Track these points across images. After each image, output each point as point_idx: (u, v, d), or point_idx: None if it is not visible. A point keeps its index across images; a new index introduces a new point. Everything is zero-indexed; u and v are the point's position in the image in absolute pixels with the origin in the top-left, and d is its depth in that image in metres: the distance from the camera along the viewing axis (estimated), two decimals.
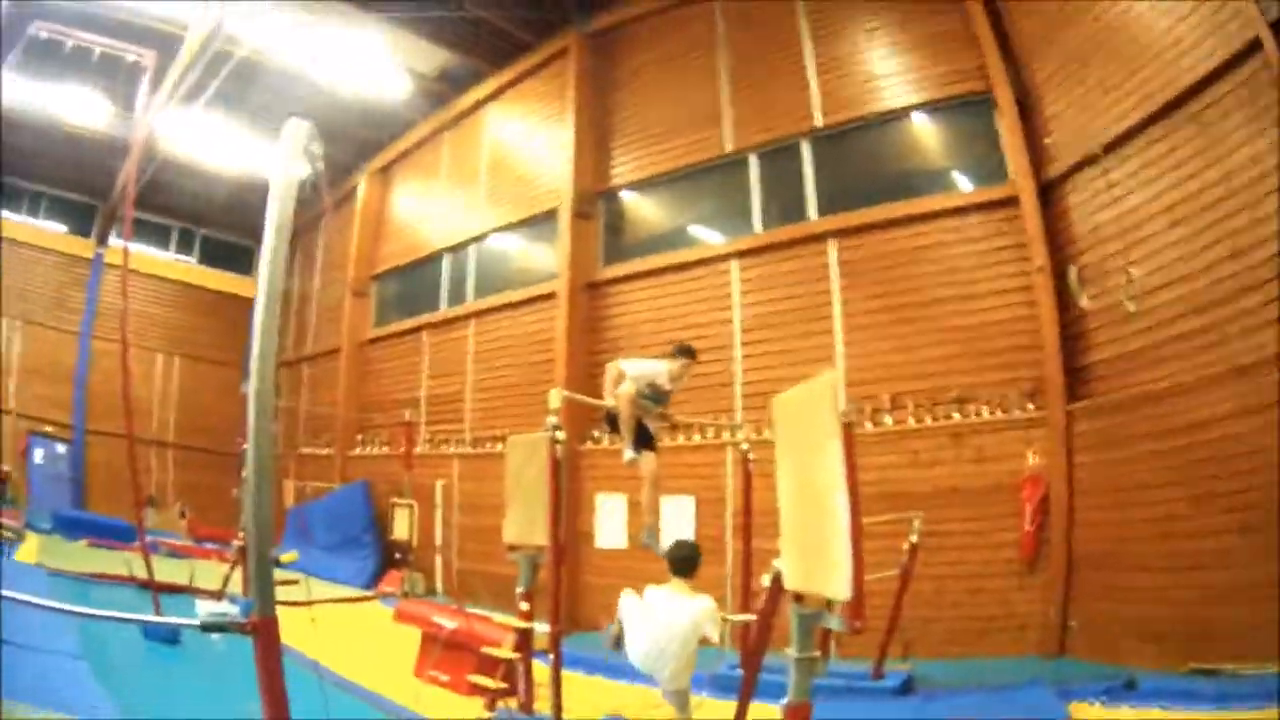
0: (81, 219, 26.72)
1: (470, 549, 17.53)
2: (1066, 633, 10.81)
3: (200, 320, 28.97)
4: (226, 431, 24.09)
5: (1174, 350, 9.79)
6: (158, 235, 28.56)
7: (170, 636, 10.65)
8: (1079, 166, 11.21)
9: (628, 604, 7.02)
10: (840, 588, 4.04)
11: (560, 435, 7.71)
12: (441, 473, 18.81)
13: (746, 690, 6.00)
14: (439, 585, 18.20)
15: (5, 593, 3.89)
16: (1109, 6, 10.76)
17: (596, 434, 15.69)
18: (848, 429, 4.28)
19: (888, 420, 12.57)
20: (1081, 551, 10.82)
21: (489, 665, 9.15)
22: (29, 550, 15.97)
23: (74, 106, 21.31)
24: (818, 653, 4.93)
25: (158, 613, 10.41)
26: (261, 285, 3.91)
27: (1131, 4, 10.46)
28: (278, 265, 3.65)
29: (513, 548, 9.09)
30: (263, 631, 3.59)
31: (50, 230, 26.38)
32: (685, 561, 6.86)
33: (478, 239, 20.22)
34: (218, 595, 13.48)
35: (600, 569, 15.09)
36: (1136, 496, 9.98)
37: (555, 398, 7.79)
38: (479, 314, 19.47)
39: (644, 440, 8.07)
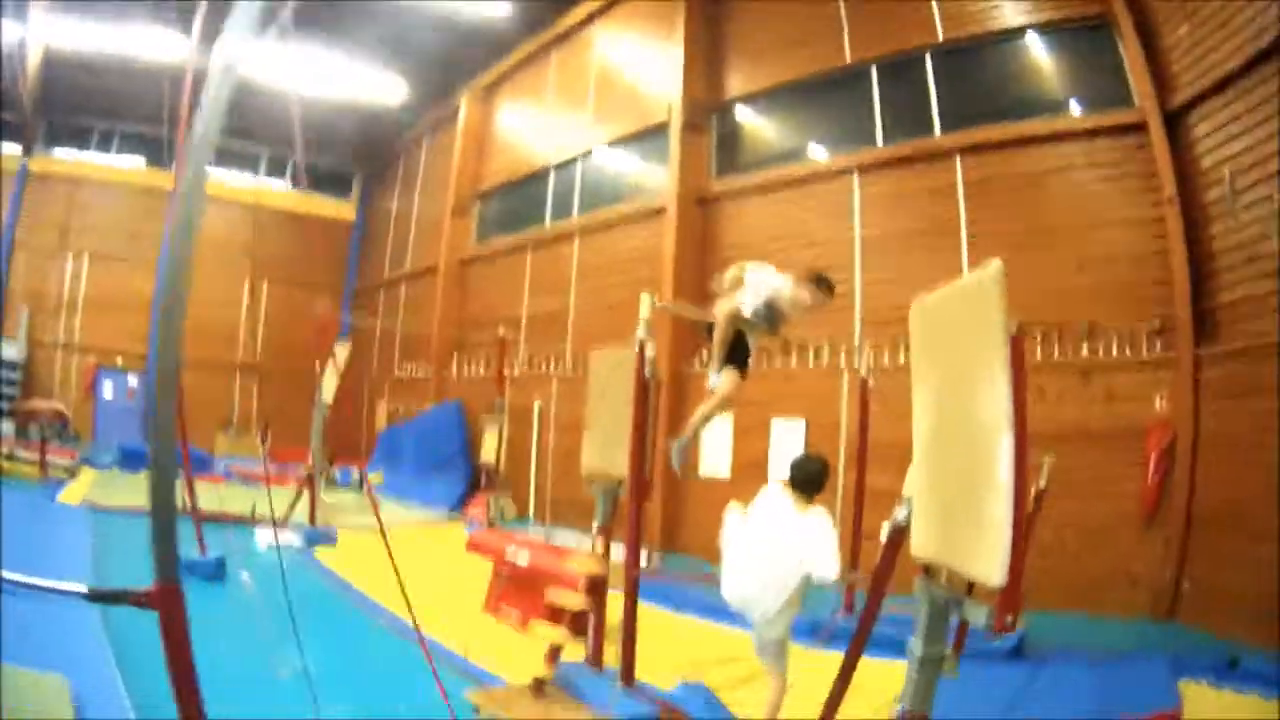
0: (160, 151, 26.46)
1: (565, 474, 16.76)
2: (1178, 596, 9.91)
3: (296, 247, 28.78)
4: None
5: None
6: (246, 162, 28.66)
7: (213, 572, 9.84)
8: (1204, 96, 10.18)
9: (731, 522, 6.14)
10: (991, 568, 2.97)
11: (650, 349, 6.60)
12: (540, 394, 18.01)
13: (852, 659, 4.79)
14: (531, 511, 17.56)
15: None
16: None
17: (705, 353, 14.66)
18: (1018, 346, 3.25)
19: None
20: (1200, 510, 9.92)
21: (557, 609, 8.15)
22: (77, 489, 15.34)
23: (143, 40, 21.46)
24: (949, 649, 3.77)
25: (201, 548, 9.92)
26: (182, 176, 3.17)
27: None
28: (204, 155, 2.85)
29: (591, 478, 7.91)
30: (163, 603, 2.70)
31: (123, 166, 26.72)
32: (809, 480, 5.91)
33: (585, 155, 19.28)
34: (280, 524, 12.79)
35: (702, 499, 14.20)
36: (1261, 456, 8.81)
37: (646, 305, 6.60)
38: (584, 231, 18.60)
39: (737, 358, 6.88)
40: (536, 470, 17.18)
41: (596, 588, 7.00)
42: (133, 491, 14.21)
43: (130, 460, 19.00)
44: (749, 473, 13.46)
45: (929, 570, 3.72)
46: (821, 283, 6.80)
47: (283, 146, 28.29)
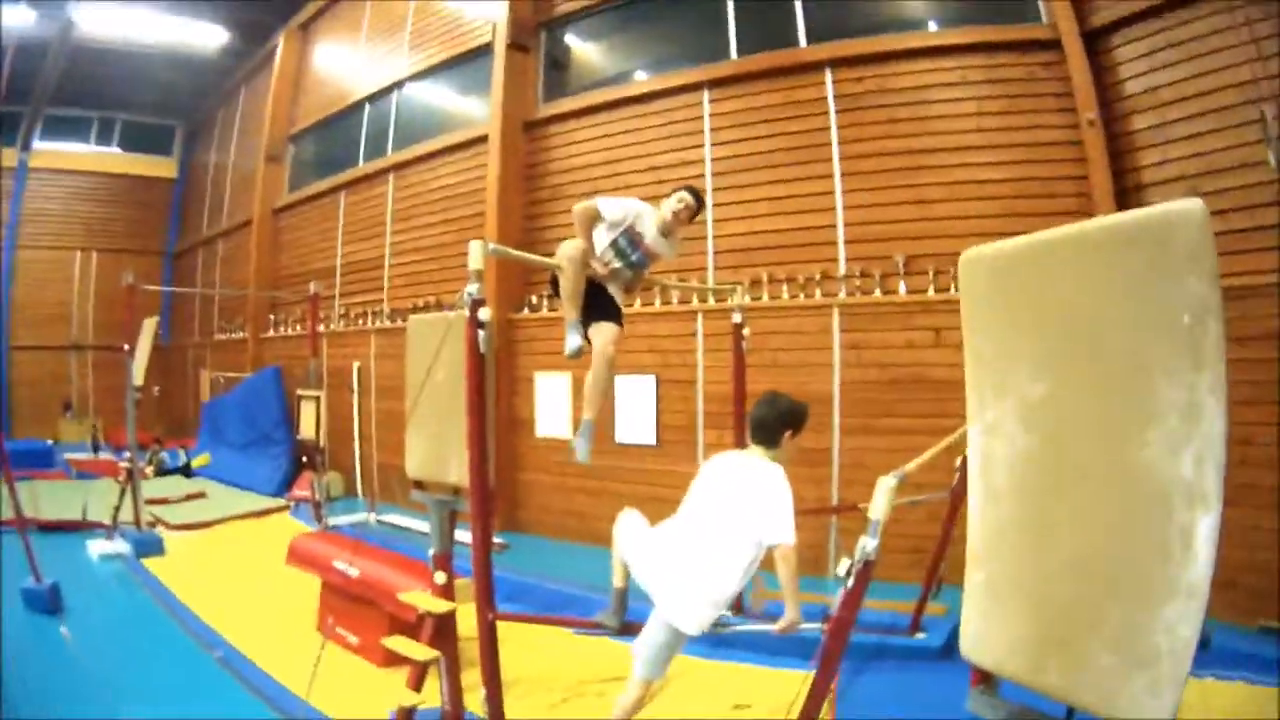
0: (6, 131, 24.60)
1: (390, 439, 15.09)
2: None
3: (119, 210, 27.38)
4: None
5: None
6: (79, 130, 27.08)
7: (49, 605, 8.77)
8: (1129, 20, 9.17)
9: (629, 521, 5.28)
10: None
11: (485, 312, 4.88)
12: (359, 352, 16.38)
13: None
14: (358, 486, 15.85)
15: None
16: None
17: (535, 298, 13.18)
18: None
19: (901, 288, 10.16)
20: None
21: (410, 625, 6.34)
22: None
23: None
24: None
25: (31, 563, 8.86)
26: None
27: None
28: None
29: (419, 485, 6.10)
30: None
31: None
32: (764, 424, 4.92)
33: (400, 84, 17.26)
34: (109, 529, 11.78)
35: (545, 464, 12.78)
36: None
37: (477, 252, 4.86)
38: (400, 166, 16.59)
39: (600, 312, 5.69)
40: (360, 441, 15.78)
41: (443, 629, 5.52)
42: None
43: None
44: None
45: (988, 681, 2.78)
46: (684, 189, 5.84)
47: (110, 108, 26.77)
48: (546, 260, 5.91)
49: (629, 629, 5.08)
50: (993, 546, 2.67)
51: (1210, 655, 6.19)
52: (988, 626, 2.63)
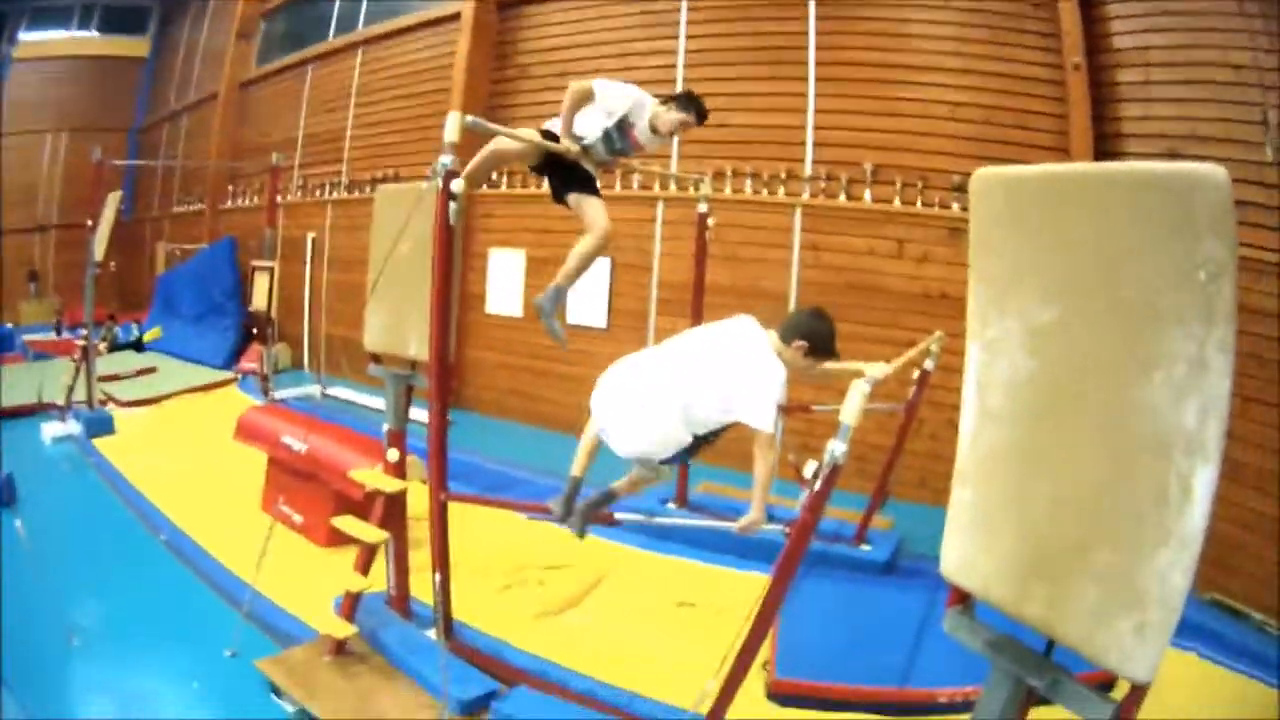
0: None
1: (341, 311, 15.05)
2: None
3: (92, 92, 26.64)
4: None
5: None
6: (61, 19, 26.57)
7: (2, 497, 8.34)
8: None
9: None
10: (1137, 662, 2.11)
11: (458, 184, 4.77)
12: (315, 224, 16.20)
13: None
14: (305, 359, 15.69)
15: None
16: None
17: (494, 175, 12.93)
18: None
19: (867, 196, 10.09)
20: None
21: (357, 505, 6.17)
22: None
23: None
24: None
25: None
26: None
27: None
28: None
29: (376, 358, 6.00)
30: None
31: None
32: (791, 320, 4.66)
33: None
34: (62, 410, 11.60)
35: (491, 341, 12.75)
36: None
37: (453, 124, 4.74)
38: (368, 41, 16.27)
39: (585, 185, 5.51)
40: (310, 313, 15.62)
41: (393, 509, 5.52)
42: None
43: None
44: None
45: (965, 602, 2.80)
46: (688, 105, 5.42)
47: None
48: (523, 135, 5.60)
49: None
50: (984, 468, 2.63)
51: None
52: (973, 550, 2.60)
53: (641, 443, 4.58)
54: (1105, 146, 8.92)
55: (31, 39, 25.84)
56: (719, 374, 4.42)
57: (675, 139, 9.91)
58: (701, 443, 4.64)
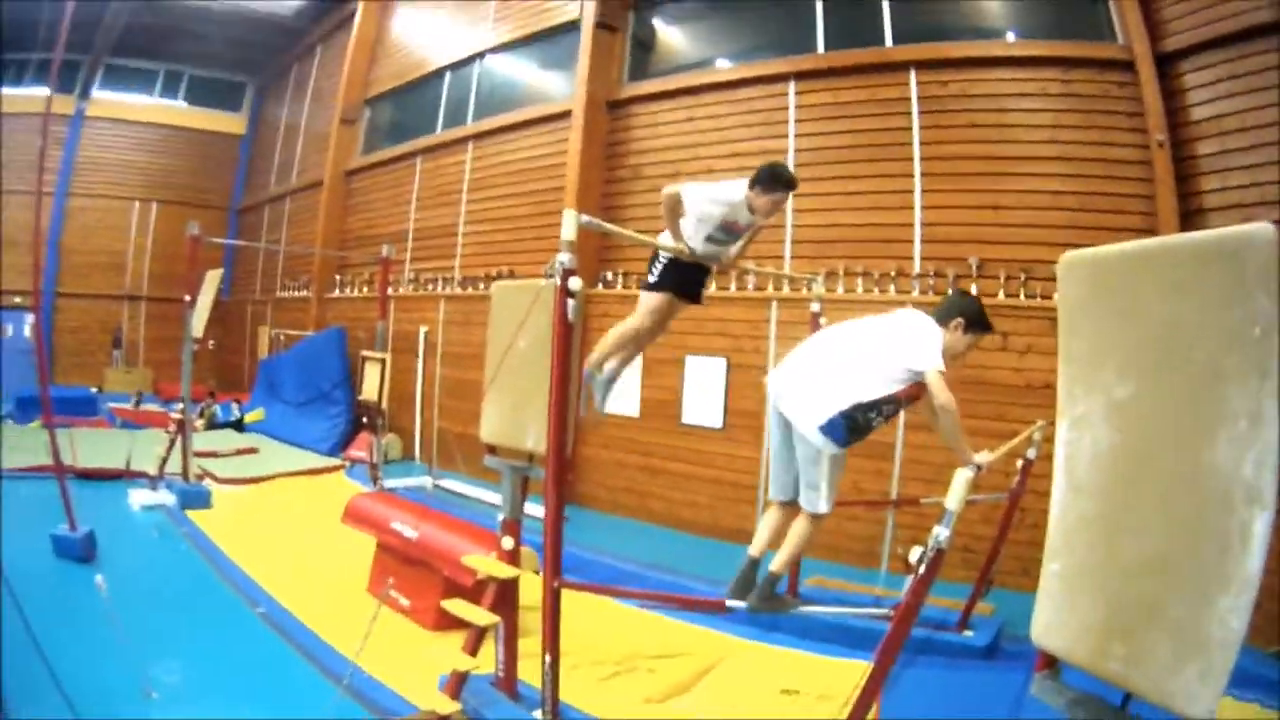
0: (66, 78, 24.76)
1: (452, 407, 15.32)
2: None
3: (183, 163, 27.36)
4: None
5: None
6: (142, 82, 27.05)
7: (82, 552, 8.58)
8: (1199, 47, 9.17)
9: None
10: (1195, 697, 2.22)
11: (576, 282, 4.86)
12: (427, 317, 16.43)
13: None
14: (416, 450, 15.90)
15: None
16: None
17: (610, 274, 13.21)
18: None
19: (974, 292, 9.98)
20: None
21: (467, 592, 6.33)
22: None
23: None
24: None
25: (67, 509, 8.64)
26: None
27: None
28: None
29: (492, 450, 6.10)
30: None
31: (30, 94, 24.20)
32: (946, 302, 5.06)
33: (482, 54, 17.30)
34: (153, 479, 11.85)
35: (604, 440, 12.83)
36: None
37: (571, 222, 4.84)
38: (479, 136, 16.65)
39: (670, 283, 5.82)
40: (422, 405, 15.83)
41: (505, 595, 5.60)
42: (21, 446, 12.52)
43: (24, 408, 17.17)
44: (659, 410, 12.19)
45: (1053, 667, 2.84)
46: (774, 178, 5.41)
47: (178, 62, 26.81)
48: (637, 235, 5.91)
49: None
50: (1069, 539, 2.78)
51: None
52: (1058, 615, 2.74)
53: (809, 406, 4.69)
54: (1191, 223, 8.96)
55: (107, 98, 26.34)
56: (883, 340, 4.71)
57: (788, 239, 10.10)
58: (864, 420, 4.67)
